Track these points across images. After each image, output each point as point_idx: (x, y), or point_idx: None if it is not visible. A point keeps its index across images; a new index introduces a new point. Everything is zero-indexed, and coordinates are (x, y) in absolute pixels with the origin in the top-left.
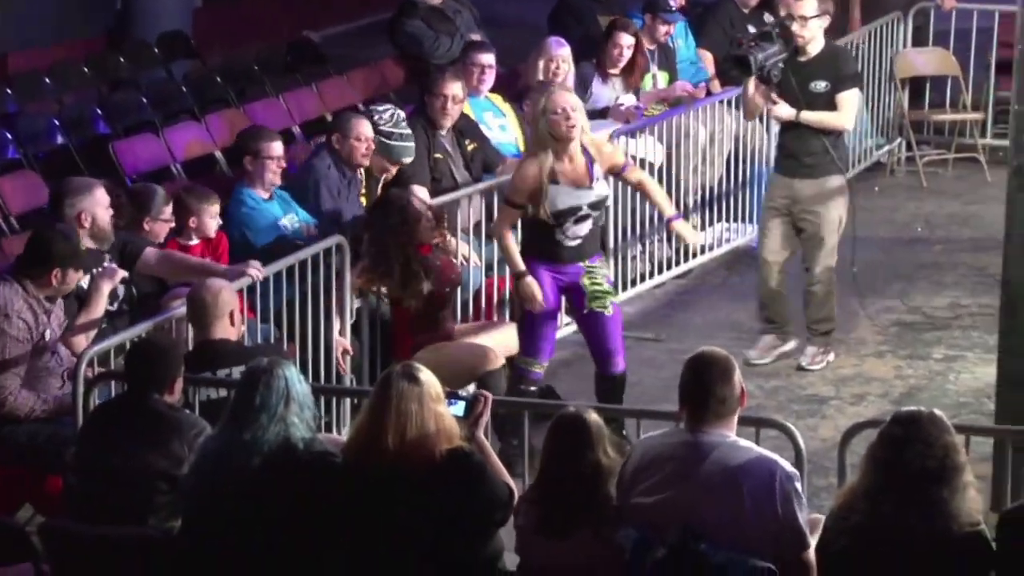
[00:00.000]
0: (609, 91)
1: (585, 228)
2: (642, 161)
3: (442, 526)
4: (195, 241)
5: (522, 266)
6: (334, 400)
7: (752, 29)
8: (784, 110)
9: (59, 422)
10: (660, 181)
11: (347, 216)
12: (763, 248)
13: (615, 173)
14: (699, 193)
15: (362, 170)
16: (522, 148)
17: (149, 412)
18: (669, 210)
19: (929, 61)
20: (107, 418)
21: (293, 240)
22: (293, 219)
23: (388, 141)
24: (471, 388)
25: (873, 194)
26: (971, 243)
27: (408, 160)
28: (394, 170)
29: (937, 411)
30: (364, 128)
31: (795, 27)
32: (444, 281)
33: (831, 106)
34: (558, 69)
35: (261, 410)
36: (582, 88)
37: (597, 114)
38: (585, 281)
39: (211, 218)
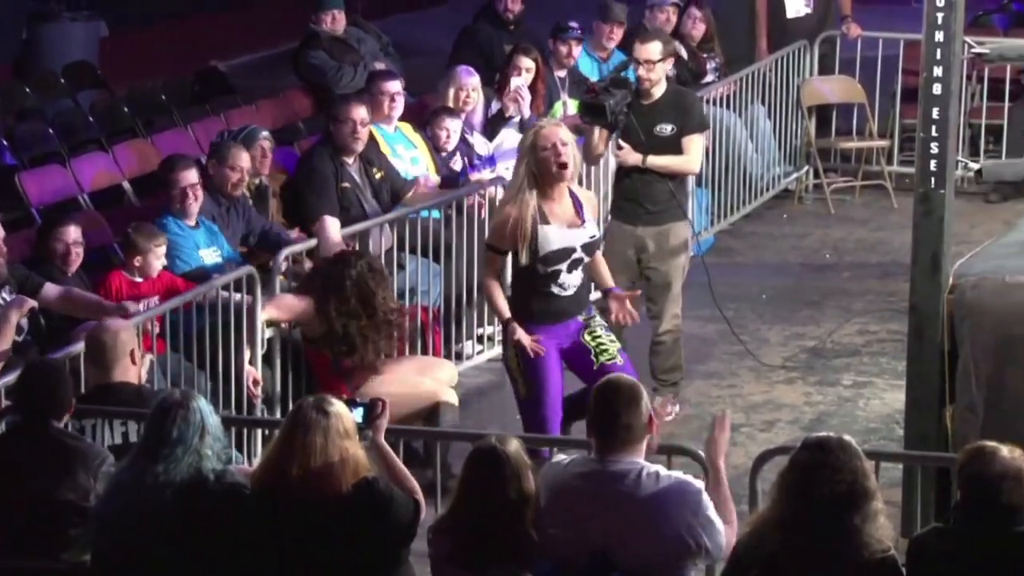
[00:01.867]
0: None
1: (578, 277)
2: None
3: (349, 556)
4: (140, 279)
5: (507, 313)
6: (246, 431)
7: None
8: (631, 156)
9: None
10: None
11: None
12: None
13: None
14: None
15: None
16: (434, 177)
17: (51, 440)
18: (610, 281)
19: (835, 89)
20: (8, 449)
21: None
22: (215, 253)
23: None
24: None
25: (781, 221)
26: (879, 269)
27: None
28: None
29: (846, 436)
30: (242, 158)
31: (641, 71)
32: (402, 335)
33: (677, 150)
34: (468, 98)
35: (177, 443)
36: (483, 115)
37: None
38: (587, 338)
39: (156, 259)
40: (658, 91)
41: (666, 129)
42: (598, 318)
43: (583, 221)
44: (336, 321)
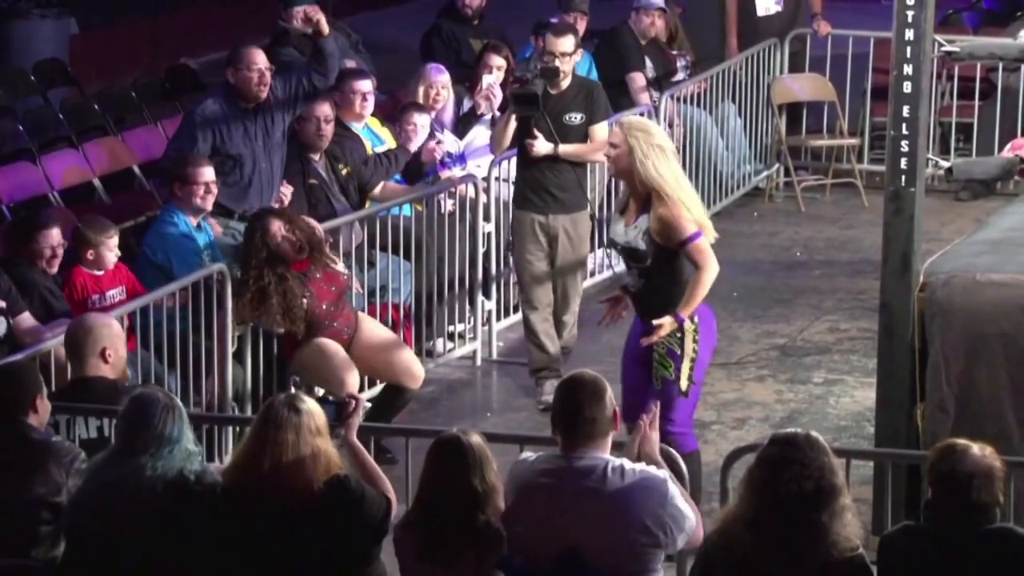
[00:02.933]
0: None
1: (633, 279)
2: None
3: (321, 553)
4: (99, 272)
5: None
6: (216, 428)
7: (648, 61)
8: (543, 145)
9: None
10: None
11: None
12: (531, 291)
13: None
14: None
15: None
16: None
17: (20, 438)
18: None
19: (806, 87)
20: None
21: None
22: (208, 255)
23: None
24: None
25: (752, 219)
26: (849, 267)
27: None
28: None
29: (814, 433)
30: (259, 57)
31: (556, 63)
32: (324, 296)
33: (584, 138)
34: (438, 96)
35: (159, 441)
36: (455, 113)
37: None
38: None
39: (109, 251)
40: (566, 82)
41: (575, 118)
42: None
43: (634, 224)
44: (252, 281)
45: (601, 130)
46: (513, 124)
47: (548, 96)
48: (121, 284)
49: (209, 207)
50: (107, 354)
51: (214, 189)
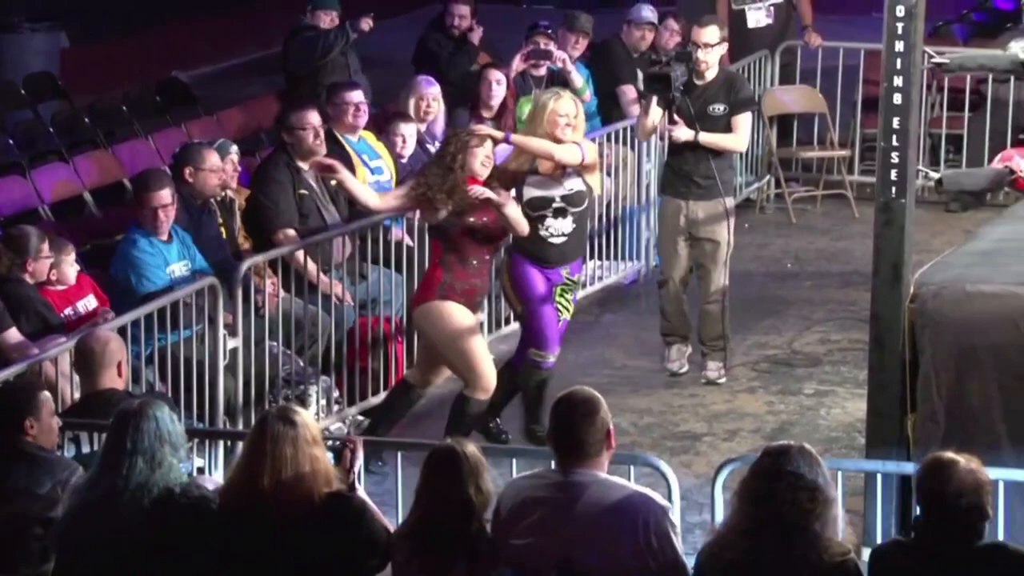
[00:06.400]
0: None
1: (567, 225)
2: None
3: (320, 569)
4: (63, 287)
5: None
6: (208, 442)
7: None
8: (684, 132)
9: None
10: None
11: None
12: (669, 268)
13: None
14: None
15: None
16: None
17: (19, 454)
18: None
19: (796, 99)
20: None
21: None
22: (185, 266)
23: None
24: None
25: (743, 231)
26: (840, 279)
27: None
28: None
29: (807, 444)
30: (216, 160)
31: (699, 53)
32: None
33: (727, 129)
34: (429, 108)
35: (132, 453)
36: (445, 124)
37: None
38: (556, 291)
39: (69, 267)
40: (711, 73)
41: (719, 109)
42: (574, 288)
43: (564, 176)
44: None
45: (742, 120)
46: (656, 111)
47: (693, 86)
48: (89, 292)
49: (166, 229)
50: (121, 367)
51: (171, 212)
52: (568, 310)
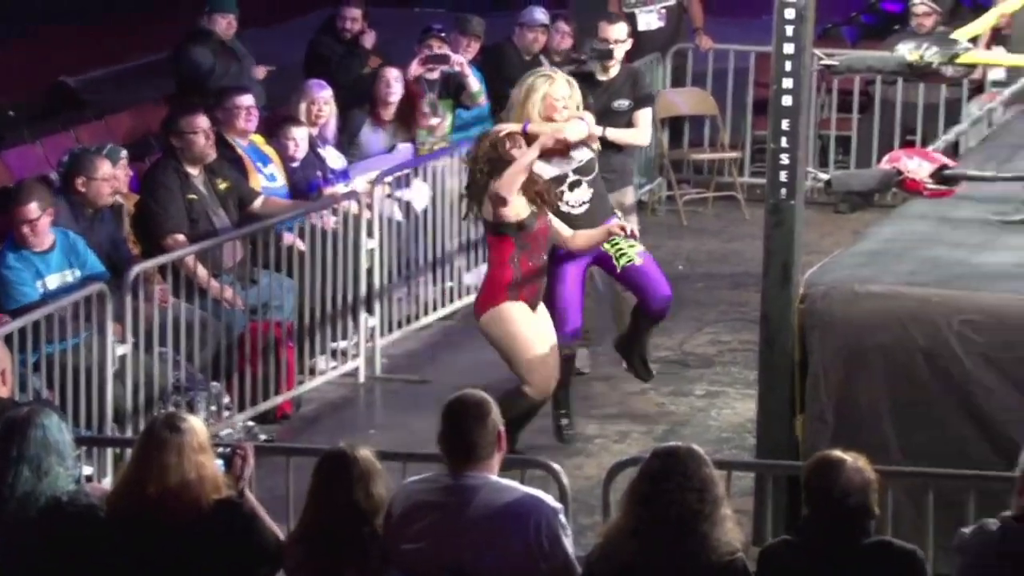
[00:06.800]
0: (383, 138)
1: (586, 192)
2: (407, 204)
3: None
4: None
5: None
6: (96, 450)
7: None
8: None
9: None
10: (424, 224)
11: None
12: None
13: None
14: (464, 235)
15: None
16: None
17: None
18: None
19: (687, 101)
20: None
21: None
22: (70, 275)
23: None
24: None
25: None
26: (731, 280)
27: None
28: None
29: (695, 445)
30: (108, 167)
31: (616, 50)
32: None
33: (630, 124)
34: (320, 111)
35: (19, 461)
36: (348, 137)
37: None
38: (606, 247)
39: None
40: (614, 70)
41: (623, 104)
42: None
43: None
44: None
45: (644, 115)
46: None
47: (597, 83)
48: None
49: (36, 242)
50: (6, 375)
51: (40, 225)
52: (627, 249)
